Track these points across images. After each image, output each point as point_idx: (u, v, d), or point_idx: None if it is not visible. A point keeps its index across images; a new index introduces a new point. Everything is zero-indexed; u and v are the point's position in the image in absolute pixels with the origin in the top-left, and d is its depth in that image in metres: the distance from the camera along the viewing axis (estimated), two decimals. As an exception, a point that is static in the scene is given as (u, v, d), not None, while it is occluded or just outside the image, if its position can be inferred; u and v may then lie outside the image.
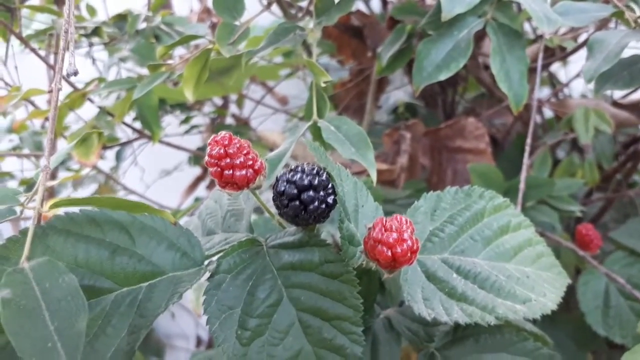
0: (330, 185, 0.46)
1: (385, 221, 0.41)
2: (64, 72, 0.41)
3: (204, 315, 0.46)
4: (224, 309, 0.46)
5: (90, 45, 1.27)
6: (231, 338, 0.45)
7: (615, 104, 1.15)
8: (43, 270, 0.38)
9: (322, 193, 0.45)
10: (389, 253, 0.40)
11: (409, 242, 0.40)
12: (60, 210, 0.46)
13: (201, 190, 1.54)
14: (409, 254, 0.40)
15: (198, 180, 1.53)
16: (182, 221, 1.11)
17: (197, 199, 1.48)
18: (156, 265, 0.47)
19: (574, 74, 1.36)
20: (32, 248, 0.42)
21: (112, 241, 0.46)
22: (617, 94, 1.23)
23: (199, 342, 1.86)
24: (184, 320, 1.84)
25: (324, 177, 0.46)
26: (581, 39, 1.15)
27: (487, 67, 1.22)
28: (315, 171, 0.46)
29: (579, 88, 1.44)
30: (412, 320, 0.57)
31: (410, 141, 1.09)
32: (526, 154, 0.74)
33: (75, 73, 0.41)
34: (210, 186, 1.53)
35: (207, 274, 0.48)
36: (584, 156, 1.15)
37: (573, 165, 1.11)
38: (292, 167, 0.47)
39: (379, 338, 0.57)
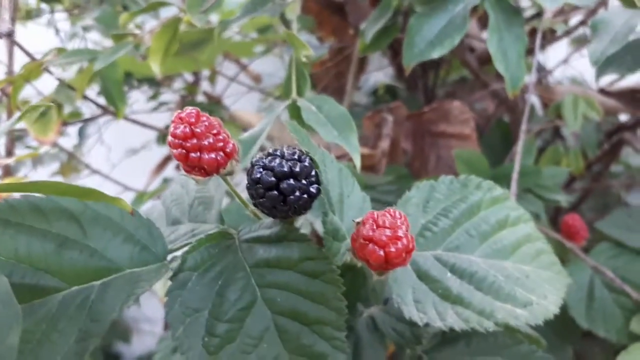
0: (313, 173, 0.40)
1: (377, 216, 0.36)
2: (-2, 32, 0.34)
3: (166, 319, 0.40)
4: (189, 312, 0.40)
5: (51, 12, 1.18)
6: (197, 346, 0.39)
7: (602, 91, 1.11)
8: (-33, 271, 0.31)
9: (304, 181, 0.40)
10: (381, 253, 0.35)
11: (404, 241, 0.35)
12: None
13: (170, 171, 1.48)
14: (403, 255, 0.35)
15: (166, 160, 1.46)
16: (147, 205, 1.04)
17: (165, 180, 1.42)
18: (111, 260, 0.41)
19: (552, 58, 1.33)
20: (-39, 241, 0.36)
21: (60, 232, 0.40)
22: (603, 81, 1.20)
23: (166, 326, 1.80)
24: (151, 303, 1.78)
25: (306, 163, 0.40)
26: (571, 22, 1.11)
27: (472, 50, 1.18)
28: (296, 156, 0.40)
29: (556, 73, 1.42)
30: (398, 320, 0.52)
31: (393, 124, 1.04)
32: (520, 142, 0.69)
33: (9, 33, 0.34)
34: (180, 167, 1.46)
35: (170, 272, 0.42)
36: (567, 144, 1.12)
37: (558, 153, 1.08)
38: (270, 151, 0.41)
39: (363, 340, 0.52)
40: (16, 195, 0.41)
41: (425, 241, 0.48)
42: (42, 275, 0.39)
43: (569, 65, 1.32)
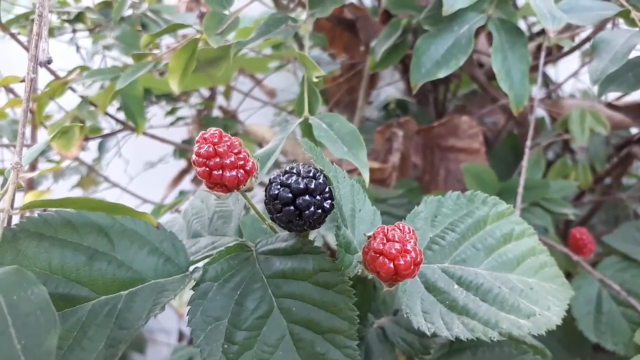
0: (327, 189, 0.43)
1: (387, 230, 0.38)
2: (38, 60, 0.37)
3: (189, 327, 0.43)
4: (209, 320, 0.42)
5: (74, 31, 1.22)
6: (217, 352, 0.41)
7: (610, 105, 1.13)
8: (10, 280, 0.34)
9: (318, 197, 0.42)
10: (391, 266, 0.37)
11: (413, 254, 0.37)
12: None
13: (186, 184, 1.50)
14: (412, 267, 0.37)
15: (183, 174, 1.50)
16: (166, 218, 1.07)
17: (181, 193, 1.45)
18: (137, 271, 0.44)
19: (563, 72, 1.35)
20: (1, 253, 0.39)
21: (90, 245, 0.43)
22: (611, 95, 1.22)
23: (180, 336, 1.83)
24: (166, 314, 1.80)
25: (320, 180, 0.43)
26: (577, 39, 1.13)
27: (481, 65, 1.20)
28: (311, 174, 0.43)
29: (567, 87, 1.43)
30: (407, 331, 0.54)
31: (403, 139, 1.06)
32: (526, 157, 0.71)
33: (49, 61, 0.37)
34: (196, 180, 1.49)
35: (192, 282, 0.44)
36: (576, 158, 1.13)
37: (566, 167, 1.09)
38: (287, 168, 0.44)
39: (373, 349, 0.54)
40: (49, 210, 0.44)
41: (433, 254, 0.50)
42: (73, 286, 0.42)
43: (579, 78, 1.34)
